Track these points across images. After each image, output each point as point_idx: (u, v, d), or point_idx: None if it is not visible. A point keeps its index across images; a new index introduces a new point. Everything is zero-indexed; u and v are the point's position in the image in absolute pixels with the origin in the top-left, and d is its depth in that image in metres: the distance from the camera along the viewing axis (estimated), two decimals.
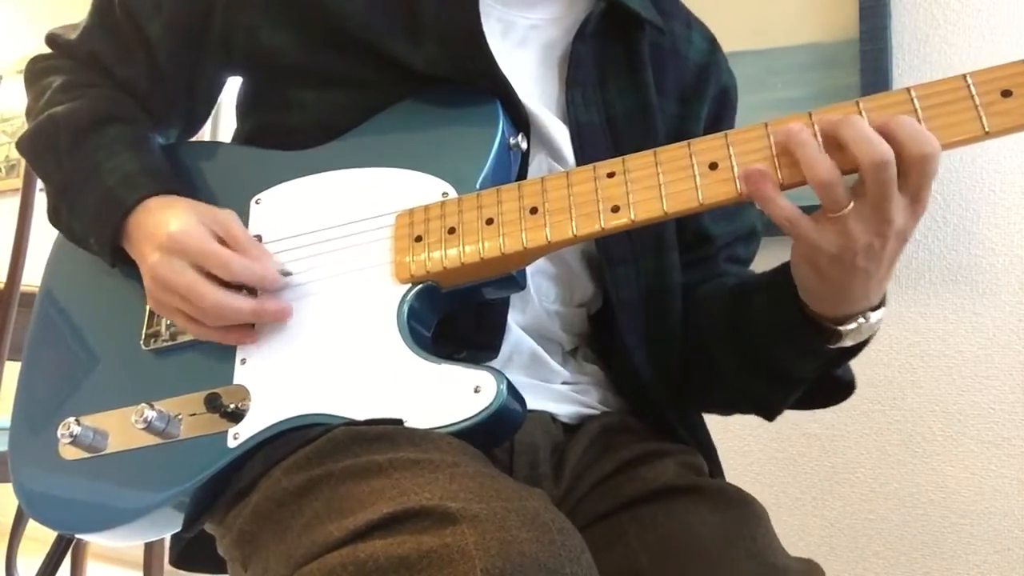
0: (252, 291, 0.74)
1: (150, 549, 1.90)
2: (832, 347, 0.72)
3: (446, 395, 0.66)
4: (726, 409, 0.90)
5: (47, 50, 0.93)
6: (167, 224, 0.74)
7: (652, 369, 0.83)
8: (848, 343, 0.71)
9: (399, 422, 0.66)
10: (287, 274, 0.76)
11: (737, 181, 0.64)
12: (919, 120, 0.60)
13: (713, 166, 0.65)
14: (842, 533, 1.68)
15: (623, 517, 0.74)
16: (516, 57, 0.82)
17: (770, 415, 0.85)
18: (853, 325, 0.69)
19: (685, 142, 0.67)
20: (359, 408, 0.68)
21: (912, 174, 0.60)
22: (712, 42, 0.94)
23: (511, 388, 0.66)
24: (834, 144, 0.61)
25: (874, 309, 0.69)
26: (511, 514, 0.53)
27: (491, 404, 0.65)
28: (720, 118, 0.92)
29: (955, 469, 1.59)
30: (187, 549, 0.78)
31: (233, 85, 0.92)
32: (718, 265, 0.90)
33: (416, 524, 0.53)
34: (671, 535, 0.71)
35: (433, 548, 0.50)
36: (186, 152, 0.88)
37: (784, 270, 0.72)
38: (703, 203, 0.65)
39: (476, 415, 0.65)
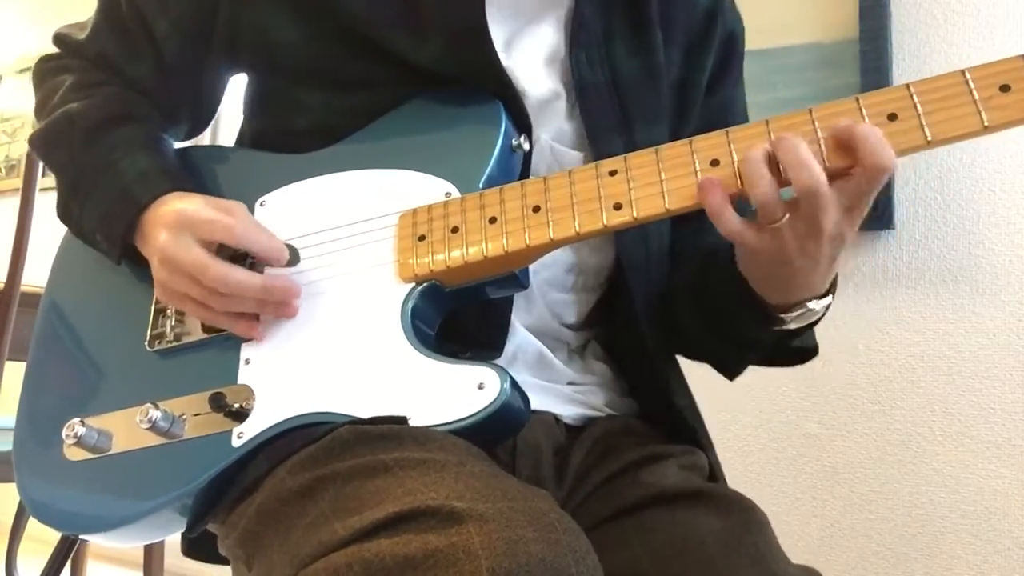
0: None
1: (150, 549, 1.90)
2: (777, 329, 0.75)
3: (450, 392, 0.66)
4: (690, 357, 0.93)
5: (53, 49, 0.93)
6: (176, 208, 0.75)
7: (654, 334, 0.84)
8: (792, 327, 0.75)
9: (403, 420, 0.66)
10: (295, 255, 0.75)
11: (738, 177, 0.64)
12: (919, 115, 0.61)
13: (715, 163, 0.65)
14: (842, 533, 1.68)
15: (626, 521, 0.75)
16: (520, 24, 0.81)
17: (730, 375, 0.89)
18: (796, 313, 0.73)
19: (687, 140, 0.67)
20: (363, 406, 0.68)
21: (861, 181, 0.61)
22: None
23: (515, 385, 0.66)
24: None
25: (820, 297, 0.73)
26: (517, 514, 0.53)
27: (495, 401, 0.65)
28: (726, 64, 0.92)
29: (955, 469, 1.59)
30: (197, 538, 0.78)
31: (235, 86, 0.92)
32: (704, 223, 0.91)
33: (422, 524, 0.53)
34: (674, 540, 0.71)
35: (439, 548, 0.51)
36: (192, 156, 0.89)
37: None
38: None
39: (479, 411, 0.65)
